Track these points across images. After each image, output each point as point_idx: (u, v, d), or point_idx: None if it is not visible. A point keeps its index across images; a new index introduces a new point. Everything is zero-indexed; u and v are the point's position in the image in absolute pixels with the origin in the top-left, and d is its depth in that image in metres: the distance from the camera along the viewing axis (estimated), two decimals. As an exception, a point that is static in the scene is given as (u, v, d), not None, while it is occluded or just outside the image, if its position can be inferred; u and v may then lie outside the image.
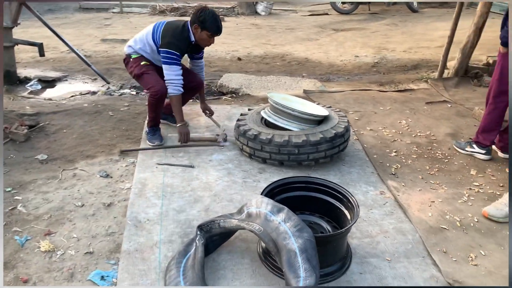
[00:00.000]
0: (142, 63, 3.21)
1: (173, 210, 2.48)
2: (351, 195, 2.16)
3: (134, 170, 2.91)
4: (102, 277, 2.00)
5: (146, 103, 3.28)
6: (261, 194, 2.14)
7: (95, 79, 4.91)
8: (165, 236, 2.27)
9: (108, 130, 3.52)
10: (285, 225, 1.89)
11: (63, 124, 3.57)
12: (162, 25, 3.15)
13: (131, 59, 3.28)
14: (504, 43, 2.91)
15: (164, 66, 3.07)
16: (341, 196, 2.22)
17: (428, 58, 6.04)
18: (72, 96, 4.33)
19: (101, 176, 2.83)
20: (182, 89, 3.13)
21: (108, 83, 4.71)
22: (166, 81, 3.09)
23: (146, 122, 3.40)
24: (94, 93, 4.48)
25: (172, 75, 3.06)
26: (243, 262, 2.11)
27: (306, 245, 1.81)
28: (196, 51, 3.39)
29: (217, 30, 3.07)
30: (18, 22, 4.34)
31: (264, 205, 2.01)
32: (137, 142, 3.32)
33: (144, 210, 2.47)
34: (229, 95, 4.58)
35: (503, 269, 2.12)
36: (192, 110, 4.00)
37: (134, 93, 4.57)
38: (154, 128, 3.31)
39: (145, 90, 3.34)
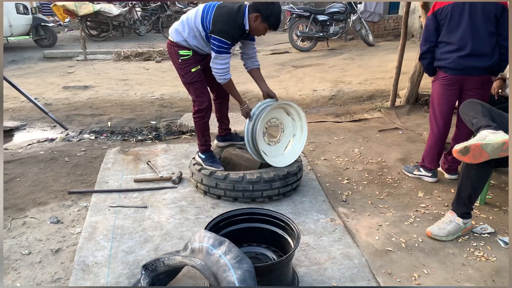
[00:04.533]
0: (192, 70, 3.03)
1: (122, 252, 2.47)
2: (293, 223, 2.22)
3: (86, 214, 2.90)
4: (44, 325, 1.96)
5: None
6: (205, 228, 2.17)
7: (54, 126, 4.91)
8: (112, 278, 2.25)
9: (63, 176, 3.50)
10: (225, 257, 1.91)
11: (16, 173, 3.54)
12: (213, 7, 2.88)
13: (179, 54, 3.02)
14: (428, 73, 3.24)
15: (212, 54, 2.87)
16: (284, 225, 2.27)
17: (382, 89, 6.30)
18: (29, 144, 4.32)
19: (51, 222, 2.80)
20: (230, 74, 2.97)
21: (66, 129, 4.72)
22: (212, 69, 2.92)
23: (198, 147, 3.29)
24: (52, 140, 4.47)
25: (220, 64, 2.89)
26: (190, 299, 2.11)
27: (245, 275, 1.83)
28: (247, 36, 3.07)
29: (277, 27, 2.93)
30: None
31: (206, 239, 2.04)
32: (91, 186, 3.31)
33: (92, 253, 2.45)
34: (188, 134, 4.65)
35: (444, 285, 2.19)
36: (150, 150, 4.04)
37: (93, 137, 4.59)
38: (209, 153, 3.23)
39: (193, 101, 3.18)
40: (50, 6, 13.22)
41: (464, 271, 2.31)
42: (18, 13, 10.00)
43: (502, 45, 2.88)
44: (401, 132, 4.55)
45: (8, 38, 11.38)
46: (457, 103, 3.18)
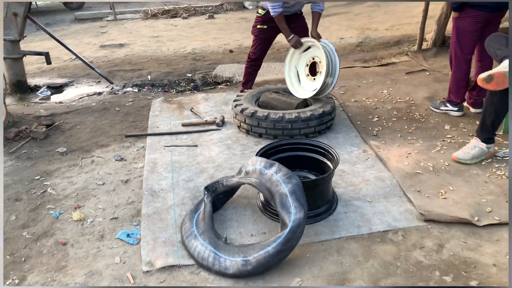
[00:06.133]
0: (258, 26, 3.92)
1: (183, 181, 2.85)
2: (332, 148, 2.53)
3: (144, 153, 3.27)
4: (128, 235, 2.37)
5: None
6: (256, 155, 2.50)
7: (99, 81, 5.28)
8: (178, 200, 2.64)
9: (117, 123, 3.89)
10: (276, 175, 2.25)
11: (76, 122, 3.94)
12: None
13: (258, 13, 3.94)
14: (455, 8, 3.35)
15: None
16: (324, 152, 2.59)
17: (409, 34, 6.37)
18: (80, 98, 4.71)
19: (116, 160, 3.20)
20: (279, 9, 3.58)
21: (112, 83, 5.08)
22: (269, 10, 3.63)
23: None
24: (100, 93, 4.86)
25: (270, 2, 3.59)
26: (246, 214, 2.48)
27: (294, 188, 2.17)
28: None
29: None
30: (24, 34, 4.71)
31: (259, 162, 2.38)
32: (144, 130, 3.68)
33: (157, 182, 2.84)
34: (223, 84, 4.94)
35: (468, 198, 2.48)
36: (191, 99, 4.36)
37: (136, 90, 4.95)
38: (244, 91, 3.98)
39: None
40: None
41: (486, 187, 2.59)
42: (47, -24, 10.26)
43: None
44: (428, 74, 4.71)
45: (37, 2, 11.68)
46: None
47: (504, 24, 3.49)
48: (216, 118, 3.79)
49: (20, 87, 4.81)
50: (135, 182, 2.89)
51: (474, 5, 3.21)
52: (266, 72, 5.14)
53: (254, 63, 4.11)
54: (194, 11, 9.75)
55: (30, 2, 4.57)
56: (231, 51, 6.42)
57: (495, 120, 2.77)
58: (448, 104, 3.62)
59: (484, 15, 3.20)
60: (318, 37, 3.64)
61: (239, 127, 3.54)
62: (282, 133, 3.32)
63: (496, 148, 2.96)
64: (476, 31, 3.28)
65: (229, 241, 2.24)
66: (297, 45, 3.68)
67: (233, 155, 3.16)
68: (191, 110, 4.06)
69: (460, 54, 3.41)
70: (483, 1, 3.15)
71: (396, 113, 3.75)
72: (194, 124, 3.74)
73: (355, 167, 2.92)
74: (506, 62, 2.56)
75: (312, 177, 2.64)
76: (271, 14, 3.62)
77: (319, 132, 3.40)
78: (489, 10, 3.18)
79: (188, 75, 5.44)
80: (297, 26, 3.84)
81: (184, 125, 3.74)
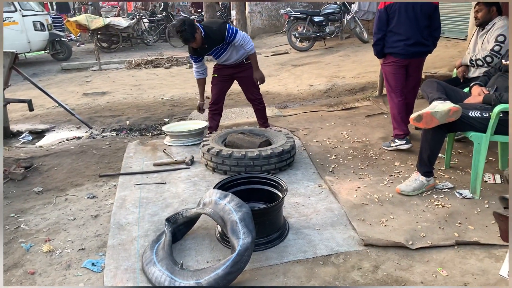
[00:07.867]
0: (211, 75, 4.42)
1: (148, 215, 3.07)
2: (282, 181, 2.80)
3: (116, 191, 3.50)
4: (93, 264, 2.55)
5: None
6: (213, 188, 2.75)
7: (79, 127, 5.55)
8: (142, 232, 2.84)
9: (92, 164, 4.12)
10: (229, 205, 2.49)
11: (54, 164, 4.17)
12: None
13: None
14: (377, 56, 3.99)
15: None
16: (276, 184, 2.85)
17: (374, 81, 6.82)
18: (60, 142, 4.95)
19: (88, 197, 3.42)
20: (195, 75, 4.48)
21: (91, 128, 5.36)
22: None
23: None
24: (79, 138, 5.11)
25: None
26: (204, 243, 2.70)
27: (244, 216, 2.41)
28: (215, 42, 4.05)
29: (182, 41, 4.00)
30: (9, 84, 5.01)
31: (214, 194, 2.63)
32: (118, 171, 3.92)
33: (124, 217, 3.05)
34: (197, 128, 5.25)
35: (405, 225, 2.75)
36: (165, 143, 4.64)
37: (114, 134, 5.22)
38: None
39: None
40: (63, 22, 13.99)
41: (423, 215, 2.86)
42: (35, 30, 10.74)
43: (433, 35, 3.77)
44: (386, 116, 5.09)
45: (26, 54, 12.13)
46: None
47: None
48: (186, 158, 4.05)
49: (3, 133, 5.04)
50: (104, 217, 3.10)
51: (392, 53, 3.80)
52: (238, 116, 5.48)
53: (212, 108, 4.50)
54: (176, 61, 10.27)
55: (16, 54, 4.89)
56: (207, 97, 6.78)
57: (430, 155, 3.09)
58: (396, 140, 3.96)
59: (400, 60, 3.80)
60: (260, 80, 4.25)
61: (206, 165, 3.81)
62: (245, 170, 3.58)
63: (437, 181, 3.27)
64: (401, 74, 3.88)
65: (185, 267, 2.44)
66: (198, 108, 4.55)
67: (198, 191, 3.40)
68: (164, 151, 4.32)
69: (391, 91, 3.95)
70: (397, 50, 3.76)
71: (352, 151, 4.06)
72: (165, 164, 4.00)
73: (308, 200, 3.17)
74: (433, 104, 2.92)
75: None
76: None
77: (280, 168, 3.67)
78: (402, 57, 3.78)
79: (165, 119, 5.75)
80: (243, 76, 4.32)
81: (155, 165, 3.99)
